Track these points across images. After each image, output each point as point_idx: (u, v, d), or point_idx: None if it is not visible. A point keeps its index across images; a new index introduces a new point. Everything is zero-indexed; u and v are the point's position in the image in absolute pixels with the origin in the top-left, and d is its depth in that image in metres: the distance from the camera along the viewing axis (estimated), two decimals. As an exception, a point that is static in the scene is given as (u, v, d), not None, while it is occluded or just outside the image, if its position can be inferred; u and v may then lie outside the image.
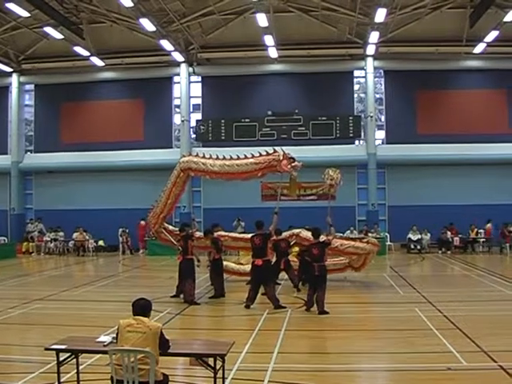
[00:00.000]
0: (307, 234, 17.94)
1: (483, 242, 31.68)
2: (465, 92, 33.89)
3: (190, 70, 34.92)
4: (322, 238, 15.82)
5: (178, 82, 35.40)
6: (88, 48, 32.77)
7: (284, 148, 17.10)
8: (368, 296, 18.12)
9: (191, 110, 35.78)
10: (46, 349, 7.56)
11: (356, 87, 35.75)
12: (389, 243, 32.04)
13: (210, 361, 7.28)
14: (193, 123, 35.34)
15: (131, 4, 27.06)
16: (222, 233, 19.24)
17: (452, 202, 32.33)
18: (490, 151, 32.34)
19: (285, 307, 14.91)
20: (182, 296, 16.43)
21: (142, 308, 7.06)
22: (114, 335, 7.32)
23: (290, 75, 34.80)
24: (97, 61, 33.91)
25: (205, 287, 18.70)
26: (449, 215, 31.58)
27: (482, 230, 31.62)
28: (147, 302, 7.19)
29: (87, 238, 33.07)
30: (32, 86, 37.38)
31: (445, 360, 9.65)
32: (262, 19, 28.21)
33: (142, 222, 31.22)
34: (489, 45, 31.09)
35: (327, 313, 14.06)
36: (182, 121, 34.78)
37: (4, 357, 10.09)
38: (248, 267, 17.30)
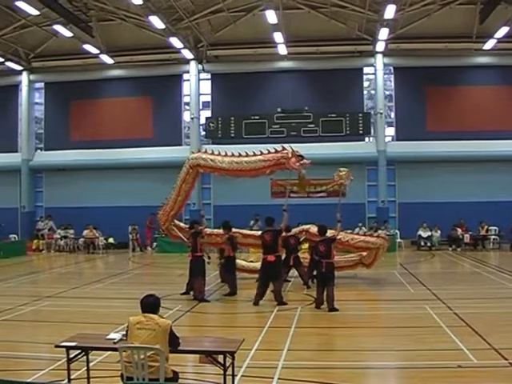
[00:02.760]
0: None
1: (493, 239, 31.64)
2: (475, 88, 33.74)
3: (200, 67, 34.91)
4: (331, 233, 15.83)
5: (188, 80, 35.39)
6: (97, 46, 32.83)
7: (293, 145, 17.07)
8: (378, 293, 18.10)
9: (201, 107, 35.78)
10: (56, 346, 7.58)
11: (366, 84, 35.66)
12: (399, 240, 31.97)
13: (220, 358, 7.29)
14: (202, 120, 35.33)
15: (140, 1, 27.04)
16: (233, 229, 19.21)
17: (462, 199, 32.16)
18: (501, 148, 32.19)
19: (286, 303, 15.06)
20: (192, 293, 16.45)
21: (150, 305, 7.08)
22: (124, 332, 7.33)
23: (299, 72, 34.75)
24: (106, 58, 33.97)
25: (215, 284, 18.74)
26: (459, 212, 31.44)
27: (492, 227, 31.52)
28: (155, 298, 7.20)
29: (97, 235, 33.11)
30: (42, 84, 37.44)
31: (455, 357, 9.63)
32: (271, 16, 28.17)
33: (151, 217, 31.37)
34: (499, 41, 30.94)
35: (337, 310, 14.07)
36: (192, 118, 34.80)
37: (14, 354, 10.14)
38: (258, 265, 17.28)
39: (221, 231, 18.32)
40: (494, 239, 31.72)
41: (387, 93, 34.87)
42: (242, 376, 8.69)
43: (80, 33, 31.10)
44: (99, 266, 28.33)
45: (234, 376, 7.57)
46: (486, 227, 31.28)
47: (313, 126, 33.50)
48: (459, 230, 31.33)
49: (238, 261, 19.11)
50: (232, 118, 34.20)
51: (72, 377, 7.80)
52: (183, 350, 7.28)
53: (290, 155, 16.28)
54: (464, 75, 33.85)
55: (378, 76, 33.80)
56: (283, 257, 18.14)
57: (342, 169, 18.17)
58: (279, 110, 33.75)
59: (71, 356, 7.51)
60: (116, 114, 35.93)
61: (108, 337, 7.70)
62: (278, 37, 30.71)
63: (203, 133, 35.49)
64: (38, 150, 37.22)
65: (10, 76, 36.24)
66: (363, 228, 31.11)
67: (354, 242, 18.67)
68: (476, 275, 21.49)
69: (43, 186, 37.02)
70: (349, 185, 18.38)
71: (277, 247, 15.65)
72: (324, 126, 33.44)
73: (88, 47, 32.38)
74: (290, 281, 19.15)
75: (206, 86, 36.03)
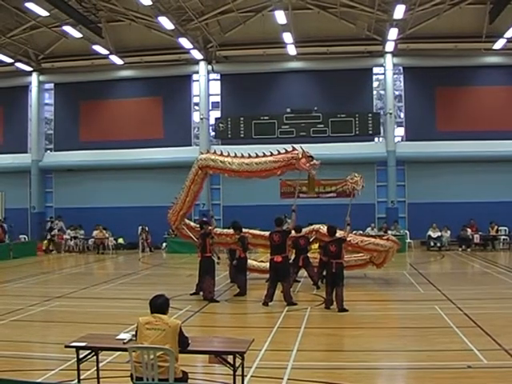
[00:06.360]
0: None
1: (503, 239, 31.54)
2: (485, 88, 33.60)
3: (209, 67, 34.94)
4: (340, 233, 15.80)
5: (197, 80, 35.43)
6: (107, 46, 32.90)
7: (303, 145, 17.01)
8: (388, 293, 18.03)
9: (210, 107, 35.81)
10: (66, 346, 7.59)
11: (375, 84, 35.62)
12: (409, 240, 31.85)
13: (230, 358, 7.28)
14: (212, 121, 35.35)
15: (150, 2, 27.11)
16: (243, 229, 19.17)
17: (472, 199, 32.07)
18: (511, 148, 32.07)
19: (296, 304, 15.04)
20: (201, 293, 16.47)
21: (159, 305, 7.07)
22: (134, 332, 7.34)
23: (308, 72, 34.71)
24: (116, 59, 34.04)
25: (224, 285, 18.74)
26: (469, 212, 31.34)
27: (502, 228, 31.41)
28: (164, 299, 7.20)
29: (107, 235, 33.23)
30: (51, 85, 37.58)
31: (465, 358, 9.59)
32: (280, 16, 28.17)
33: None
34: (509, 41, 30.82)
35: (346, 310, 14.05)
36: (201, 119, 34.82)
37: (24, 354, 10.17)
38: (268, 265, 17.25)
39: (230, 231, 18.32)
40: (504, 239, 31.63)
41: (397, 93, 34.75)
42: (252, 376, 8.68)
43: (89, 34, 31.20)
44: (109, 266, 28.37)
45: (243, 376, 7.55)
46: (496, 227, 31.17)
47: (322, 126, 33.46)
48: (469, 231, 31.23)
49: (249, 261, 19.07)
50: (241, 119, 34.22)
51: (82, 377, 7.80)
52: (193, 350, 7.27)
53: (300, 156, 16.22)
54: (474, 75, 33.72)
55: (387, 76, 33.72)
56: (293, 257, 18.18)
57: (356, 174, 18.11)
58: (288, 110, 33.73)
59: (81, 356, 7.50)
60: (125, 114, 36.01)
61: (118, 337, 7.70)
62: (288, 37, 30.70)
63: (213, 133, 35.57)
64: (48, 151, 37.37)
65: (20, 77, 36.38)
66: (375, 229, 31.12)
67: (363, 244, 18.61)
68: (486, 275, 21.40)
69: (53, 186, 37.16)
70: (360, 190, 18.32)
71: (285, 248, 15.61)
72: (333, 127, 33.39)
73: (97, 48, 32.45)
74: (299, 281, 19.13)
75: (216, 87, 36.07)
